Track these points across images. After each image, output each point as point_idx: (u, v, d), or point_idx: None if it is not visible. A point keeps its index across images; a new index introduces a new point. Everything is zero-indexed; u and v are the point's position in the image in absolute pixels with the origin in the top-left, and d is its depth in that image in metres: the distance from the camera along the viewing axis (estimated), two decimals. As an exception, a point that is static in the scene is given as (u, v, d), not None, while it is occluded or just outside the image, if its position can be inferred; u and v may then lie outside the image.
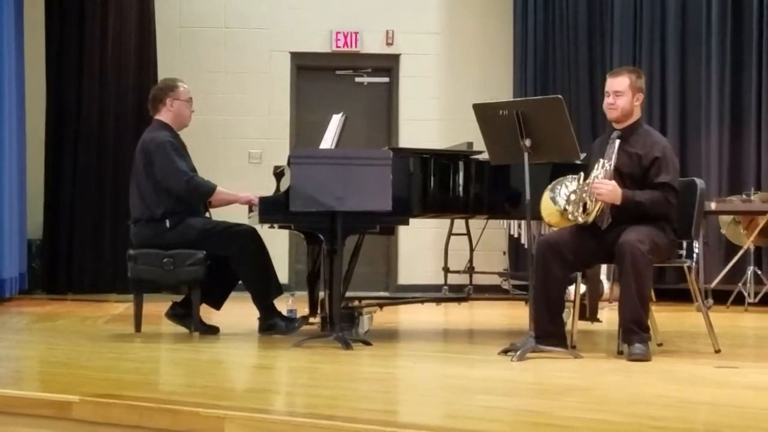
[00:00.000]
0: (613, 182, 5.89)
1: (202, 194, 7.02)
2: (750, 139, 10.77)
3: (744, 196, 10.17)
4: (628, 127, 6.11)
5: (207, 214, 7.18)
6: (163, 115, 7.16)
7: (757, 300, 10.02)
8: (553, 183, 6.01)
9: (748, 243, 10.10)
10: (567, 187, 5.95)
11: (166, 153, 6.92)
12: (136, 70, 11.36)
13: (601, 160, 6.00)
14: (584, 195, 5.92)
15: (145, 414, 4.08)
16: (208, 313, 7.24)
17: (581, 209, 5.91)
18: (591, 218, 5.92)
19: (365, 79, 12.54)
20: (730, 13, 10.94)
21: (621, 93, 6.09)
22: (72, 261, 11.14)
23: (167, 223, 6.90)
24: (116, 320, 8.23)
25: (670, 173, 6.01)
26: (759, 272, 10.16)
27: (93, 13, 11.30)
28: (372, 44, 12.41)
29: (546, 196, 5.98)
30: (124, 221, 7.91)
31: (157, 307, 7.38)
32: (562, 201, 5.93)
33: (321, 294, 7.22)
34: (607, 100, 6.15)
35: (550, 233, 6.29)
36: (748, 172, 10.74)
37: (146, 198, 6.97)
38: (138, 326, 6.96)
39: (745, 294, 10.01)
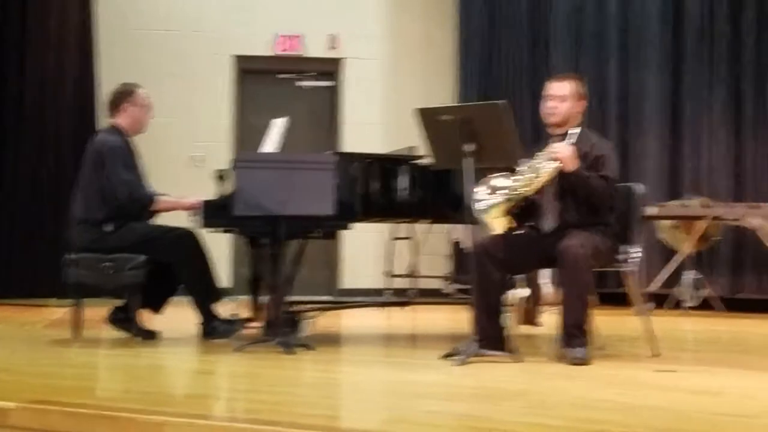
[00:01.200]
0: (572, 148, 5.93)
1: (142, 205, 6.97)
2: (688, 145, 10.91)
3: (683, 201, 10.28)
4: (566, 134, 6.12)
5: (150, 221, 7.14)
6: (120, 120, 7.12)
7: (696, 304, 10.13)
8: (480, 206, 5.96)
9: (687, 247, 10.20)
10: (495, 189, 5.93)
11: (115, 160, 6.88)
12: (78, 73, 11.25)
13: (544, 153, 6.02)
14: (537, 164, 5.93)
15: (83, 420, 4.04)
16: (148, 318, 7.18)
17: (530, 177, 5.91)
18: (541, 182, 5.91)
19: (308, 83, 12.52)
20: (669, 20, 11.08)
21: (564, 98, 6.13)
22: (9, 265, 10.98)
23: (108, 227, 6.85)
24: (55, 325, 8.14)
25: (613, 171, 6.07)
26: (698, 276, 10.28)
27: (34, 15, 11.17)
28: (315, 48, 12.39)
29: (486, 216, 5.94)
30: (62, 224, 7.83)
31: (97, 311, 7.30)
32: (498, 198, 5.90)
33: (263, 298, 7.19)
34: (548, 104, 6.18)
35: (486, 238, 6.31)
36: (687, 178, 10.87)
37: (90, 200, 6.92)
38: (77, 331, 6.89)
39: (684, 298, 10.12)
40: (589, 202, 6.03)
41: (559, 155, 5.92)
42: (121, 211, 6.87)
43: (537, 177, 5.92)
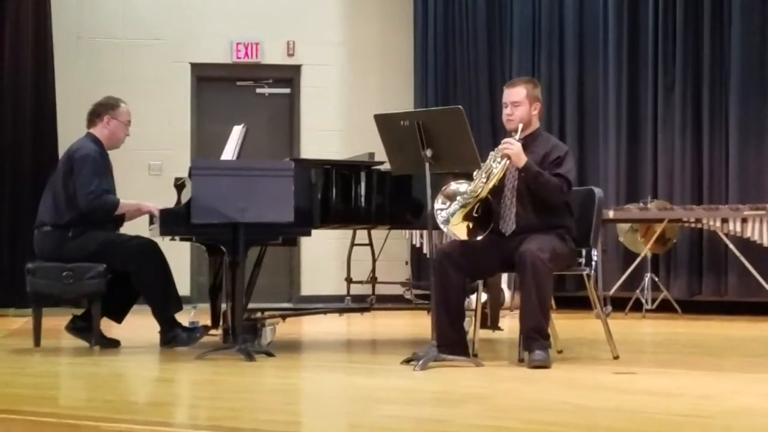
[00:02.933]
0: (519, 144, 6.00)
1: (106, 211, 6.95)
2: (646, 148, 11.00)
3: (641, 204, 10.36)
4: (527, 137, 6.18)
5: (117, 229, 7.11)
6: (98, 131, 7.11)
7: (654, 306, 10.21)
8: (440, 217, 5.98)
9: (645, 250, 10.29)
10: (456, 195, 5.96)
11: (86, 167, 6.86)
12: (33, 81, 11.15)
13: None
14: (490, 162, 5.98)
15: (45, 429, 4.03)
16: (108, 327, 7.16)
17: (483, 179, 5.95)
18: (494, 182, 5.96)
19: (266, 90, 12.51)
20: (626, 24, 11.18)
21: (518, 103, 6.17)
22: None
23: (70, 233, 6.82)
24: (15, 335, 8.09)
25: (569, 170, 6.11)
26: (656, 279, 10.37)
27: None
28: (273, 55, 12.38)
29: (449, 227, 5.96)
30: (22, 233, 7.79)
31: (57, 321, 7.27)
32: (455, 205, 5.94)
33: (223, 306, 7.18)
34: (505, 111, 6.22)
35: (446, 243, 6.33)
36: (645, 181, 10.96)
37: (58, 205, 6.90)
38: (37, 341, 6.85)
39: (643, 301, 10.21)
40: (544, 199, 6.06)
41: (506, 152, 5.98)
42: (84, 218, 6.84)
43: (488, 177, 5.97)
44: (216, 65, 12.29)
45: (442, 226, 5.95)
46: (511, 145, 5.99)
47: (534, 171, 5.99)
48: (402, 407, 4.62)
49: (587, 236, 6.30)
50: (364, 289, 10.19)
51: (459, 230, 5.96)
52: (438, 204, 5.92)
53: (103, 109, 7.13)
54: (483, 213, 6.01)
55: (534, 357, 5.76)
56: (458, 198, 5.93)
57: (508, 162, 5.99)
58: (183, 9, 12.19)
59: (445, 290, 6.01)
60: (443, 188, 5.98)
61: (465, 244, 6.04)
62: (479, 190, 5.94)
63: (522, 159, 5.98)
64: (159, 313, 6.89)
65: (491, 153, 6.05)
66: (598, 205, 6.34)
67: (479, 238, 5.97)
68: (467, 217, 5.95)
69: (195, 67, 12.23)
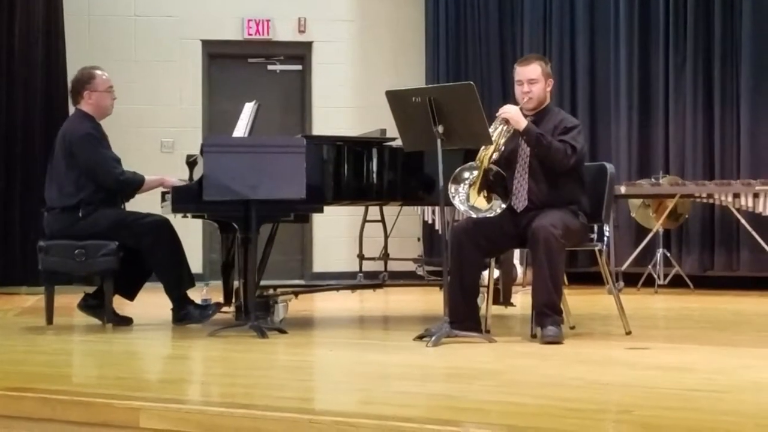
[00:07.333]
0: (516, 107, 6.02)
1: (134, 189, 6.98)
2: (658, 123, 10.97)
3: (653, 179, 10.34)
4: (539, 113, 6.17)
5: (123, 206, 7.13)
6: (84, 106, 7.09)
7: (666, 282, 10.20)
8: (457, 200, 5.94)
9: (657, 226, 10.27)
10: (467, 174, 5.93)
11: (92, 146, 6.86)
12: (45, 59, 11.17)
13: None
14: (491, 130, 5.97)
15: (58, 407, 4.03)
16: (121, 304, 7.18)
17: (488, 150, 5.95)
18: (494, 146, 5.93)
19: (278, 67, 12.50)
20: (638, 0, 11.10)
21: (535, 81, 6.15)
22: (-20, 253, 10.93)
23: (80, 213, 6.82)
24: (27, 313, 8.12)
25: (576, 138, 6.08)
26: (668, 254, 10.35)
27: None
28: (284, 32, 12.36)
29: (468, 207, 5.93)
30: (33, 212, 7.80)
31: (69, 298, 7.29)
32: (466, 184, 5.90)
33: (236, 283, 7.19)
34: (522, 89, 6.19)
35: (463, 219, 6.31)
36: (657, 156, 10.94)
37: (65, 187, 6.89)
38: (50, 318, 6.87)
39: (655, 276, 10.20)
40: (550, 165, 6.01)
41: (504, 116, 5.97)
42: (96, 194, 6.85)
43: (490, 143, 5.94)
44: (227, 42, 12.28)
45: (471, 214, 5.87)
46: (509, 108, 5.99)
47: (535, 133, 5.97)
48: (414, 383, 4.63)
49: (599, 212, 6.29)
50: (377, 266, 10.20)
51: (479, 204, 5.89)
52: (452, 190, 5.87)
53: (80, 86, 7.09)
54: (496, 180, 5.93)
55: (546, 333, 5.76)
56: (465, 175, 5.87)
57: (506, 126, 5.98)
58: (194, -14, 12.18)
59: (461, 266, 6.00)
60: (452, 176, 5.91)
61: (480, 220, 6.02)
62: (483, 158, 5.91)
63: (522, 121, 5.97)
64: (171, 291, 6.90)
65: (493, 124, 6.04)
66: (610, 181, 6.33)
67: (503, 207, 5.88)
68: (482, 187, 5.89)
69: (206, 44, 12.22)
